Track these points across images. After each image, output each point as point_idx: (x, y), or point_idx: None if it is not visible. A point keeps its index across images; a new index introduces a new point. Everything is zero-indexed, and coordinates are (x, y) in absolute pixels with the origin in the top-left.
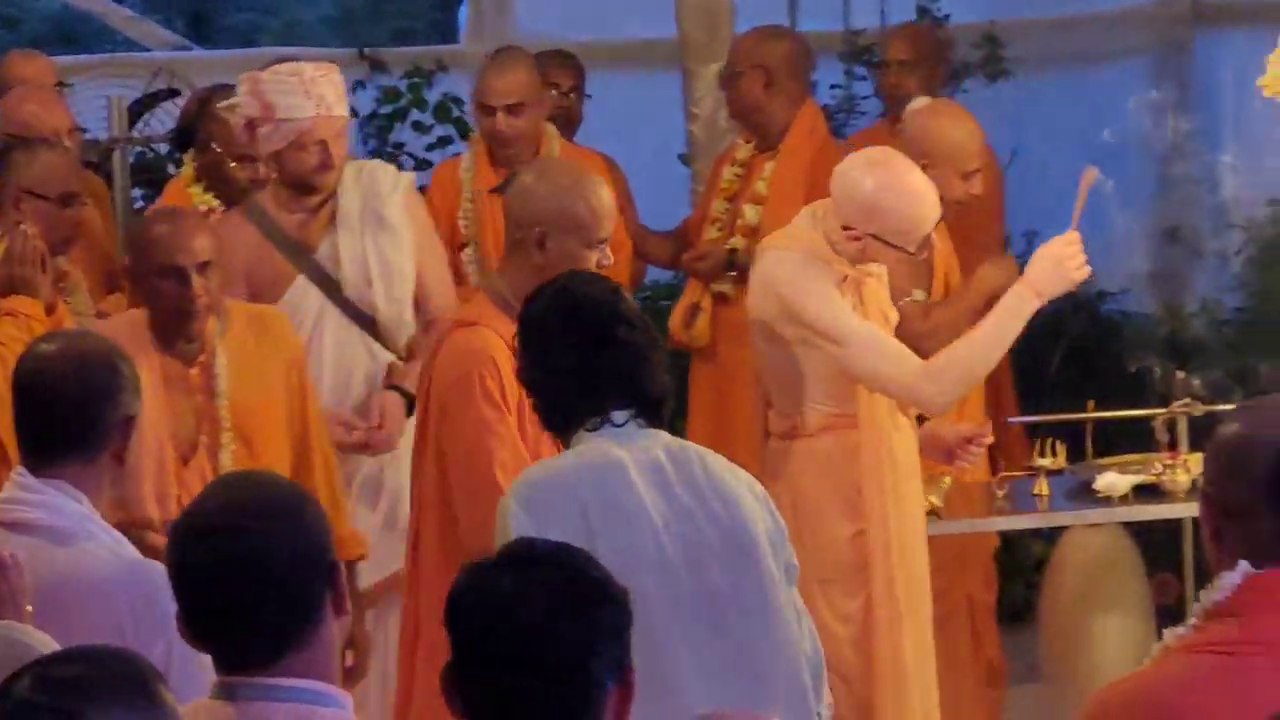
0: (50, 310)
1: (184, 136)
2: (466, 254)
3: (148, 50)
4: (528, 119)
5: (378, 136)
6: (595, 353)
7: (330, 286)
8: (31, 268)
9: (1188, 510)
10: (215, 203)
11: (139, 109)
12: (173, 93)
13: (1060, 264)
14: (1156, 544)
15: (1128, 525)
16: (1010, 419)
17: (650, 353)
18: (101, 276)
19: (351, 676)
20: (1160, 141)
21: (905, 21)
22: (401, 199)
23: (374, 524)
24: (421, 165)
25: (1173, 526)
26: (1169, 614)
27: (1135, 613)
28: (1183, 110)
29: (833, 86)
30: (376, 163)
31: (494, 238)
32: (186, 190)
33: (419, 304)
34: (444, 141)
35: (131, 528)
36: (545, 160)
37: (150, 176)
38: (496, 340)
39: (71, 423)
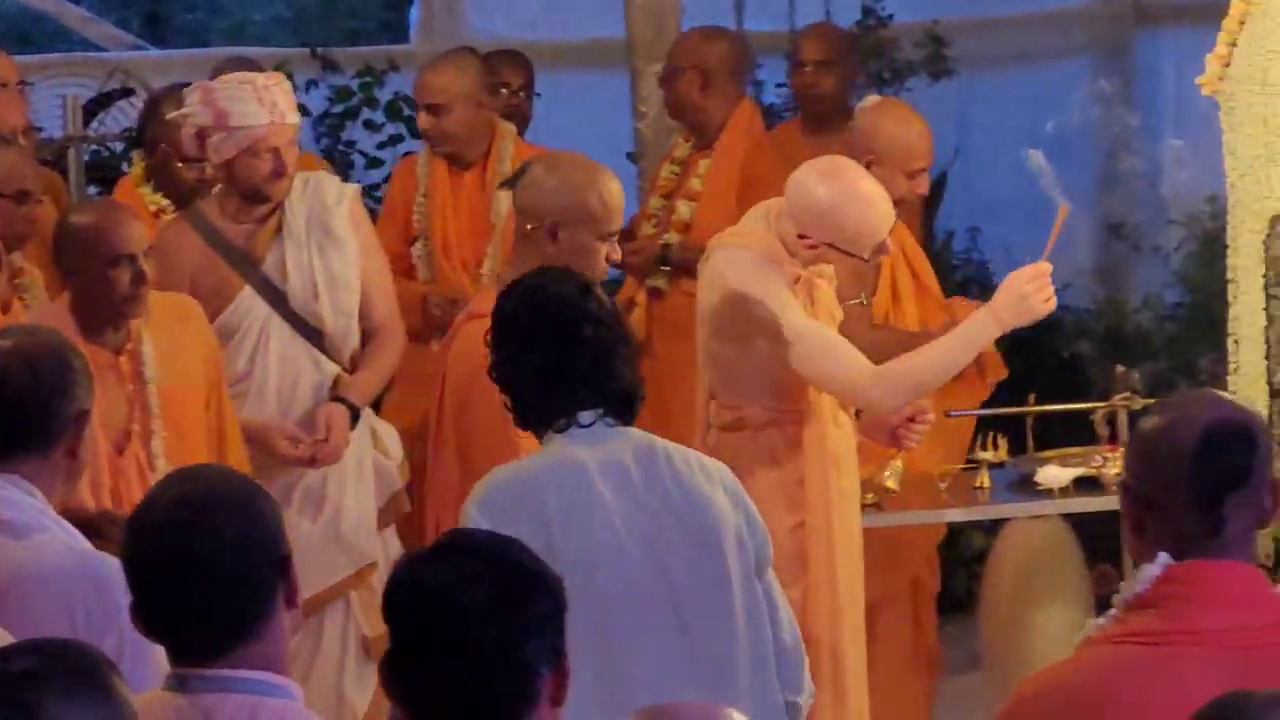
0: (5, 308)
1: (140, 136)
2: (416, 248)
3: (103, 50)
4: (452, 120)
5: (330, 135)
6: (561, 353)
7: (276, 298)
8: None
9: None
10: (164, 202)
11: (94, 108)
12: (127, 92)
13: (1026, 298)
14: (1096, 536)
15: (1068, 517)
16: (952, 412)
17: (619, 350)
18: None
19: None
20: (1102, 139)
21: (818, 22)
22: (347, 211)
23: (315, 536)
24: (373, 163)
25: (1112, 518)
26: (1108, 605)
27: (1075, 603)
28: (1124, 108)
29: (778, 85)
30: (322, 174)
31: (441, 234)
32: (136, 190)
33: (362, 314)
34: (395, 140)
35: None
36: (556, 154)
37: (105, 175)
38: None
39: (25, 419)
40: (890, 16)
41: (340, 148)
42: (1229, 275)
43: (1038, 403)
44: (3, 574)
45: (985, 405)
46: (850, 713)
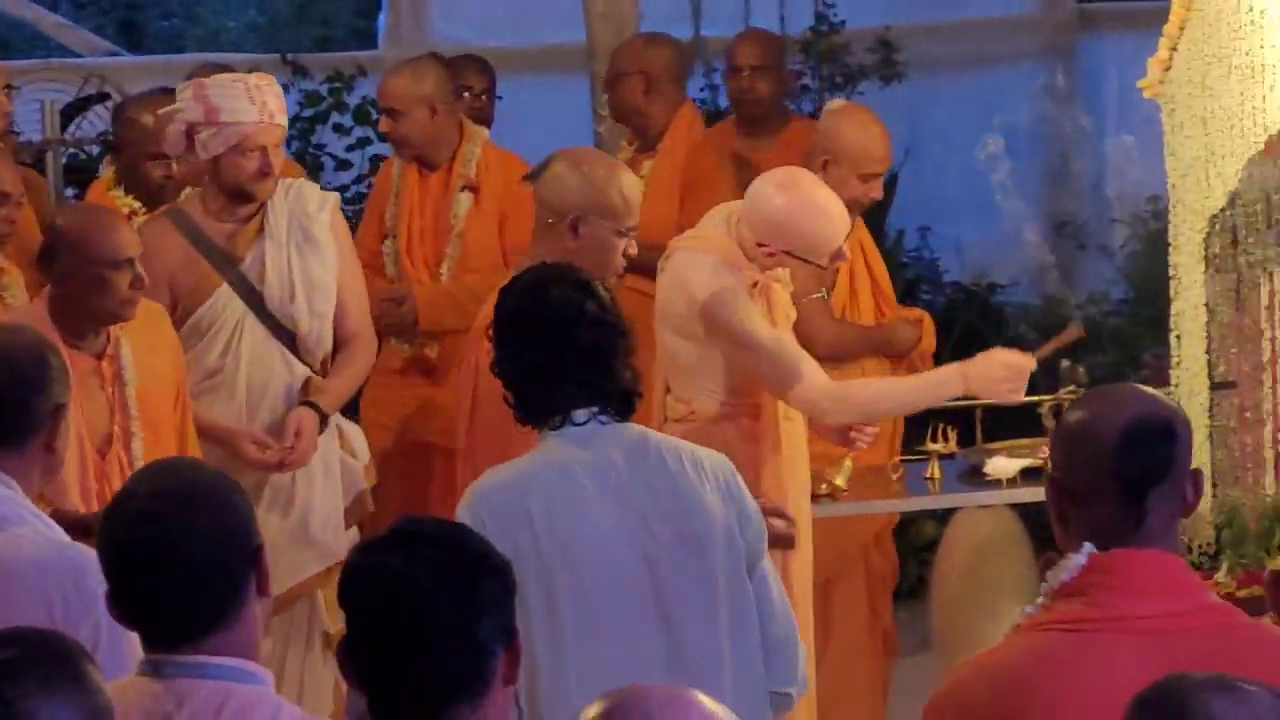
0: None
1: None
2: (386, 246)
3: (80, 56)
4: (408, 123)
5: (300, 138)
6: (558, 353)
7: (253, 297)
8: None
9: None
10: (136, 204)
11: (71, 112)
12: (103, 96)
13: (997, 380)
14: (1043, 524)
15: (1016, 506)
16: None
17: (617, 348)
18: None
19: None
20: (1048, 141)
21: (753, 28)
22: (328, 218)
23: (284, 534)
24: (342, 165)
25: None
26: None
27: (1021, 590)
28: (1069, 112)
29: None
30: (304, 182)
31: (406, 233)
32: (108, 193)
33: (336, 321)
34: (363, 143)
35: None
36: (578, 150)
37: (82, 177)
38: None
39: (2, 414)
40: (842, 22)
41: (310, 150)
42: (1171, 272)
43: None
44: None
45: None
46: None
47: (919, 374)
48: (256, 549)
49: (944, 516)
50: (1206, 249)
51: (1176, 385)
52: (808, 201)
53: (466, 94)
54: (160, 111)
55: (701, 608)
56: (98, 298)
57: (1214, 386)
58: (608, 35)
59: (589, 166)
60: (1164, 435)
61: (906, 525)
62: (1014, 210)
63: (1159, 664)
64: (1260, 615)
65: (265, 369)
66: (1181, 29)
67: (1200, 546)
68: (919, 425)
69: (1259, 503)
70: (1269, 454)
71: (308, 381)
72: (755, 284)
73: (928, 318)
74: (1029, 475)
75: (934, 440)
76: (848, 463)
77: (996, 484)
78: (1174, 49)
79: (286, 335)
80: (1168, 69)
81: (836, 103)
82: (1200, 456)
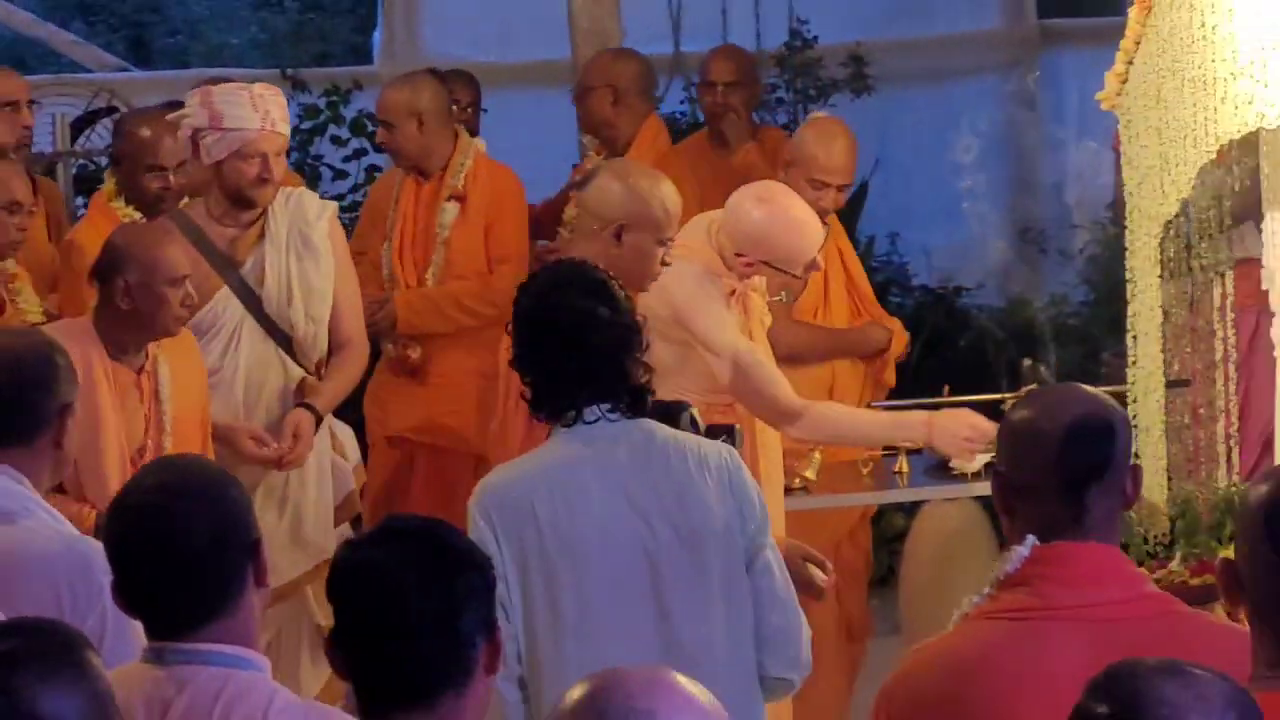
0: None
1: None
2: (384, 250)
3: (90, 71)
4: (399, 135)
5: (299, 149)
6: (570, 353)
7: (252, 300)
8: None
9: None
10: (137, 215)
11: (81, 125)
12: (112, 110)
13: (960, 440)
14: None
15: (980, 499)
16: (873, 403)
17: (629, 347)
18: (46, 278)
19: None
20: (1011, 150)
21: (725, 44)
22: (326, 226)
23: (279, 532)
24: (339, 175)
25: None
26: None
27: (985, 578)
28: (1031, 123)
29: None
30: (304, 190)
31: (399, 239)
32: (109, 204)
33: (331, 327)
34: (359, 154)
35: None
36: (623, 161)
37: (91, 187)
38: None
39: (11, 412)
40: (815, 38)
41: (309, 161)
42: (1127, 275)
43: (951, 393)
44: None
45: (903, 396)
46: None
47: (890, 413)
48: (254, 541)
49: (912, 509)
50: (1161, 253)
51: (1133, 383)
52: (784, 214)
53: (454, 106)
54: (169, 116)
55: (697, 603)
56: (155, 313)
57: (1169, 384)
58: (591, 51)
59: (634, 179)
60: (1105, 434)
61: (877, 517)
62: (979, 216)
63: (1101, 650)
64: (1212, 602)
65: (263, 370)
66: (1137, 44)
67: (1155, 537)
68: None
69: (1211, 495)
70: (1221, 449)
71: (303, 382)
72: (733, 292)
73: (899, 325)
74: (992, 469)
75: None
76: (817, 456)
77: (961, 478)
78: (1130, 63)
79: (283, 338)
80: (1124, 82)
81: (818, 114)
82: (1156, 451)
